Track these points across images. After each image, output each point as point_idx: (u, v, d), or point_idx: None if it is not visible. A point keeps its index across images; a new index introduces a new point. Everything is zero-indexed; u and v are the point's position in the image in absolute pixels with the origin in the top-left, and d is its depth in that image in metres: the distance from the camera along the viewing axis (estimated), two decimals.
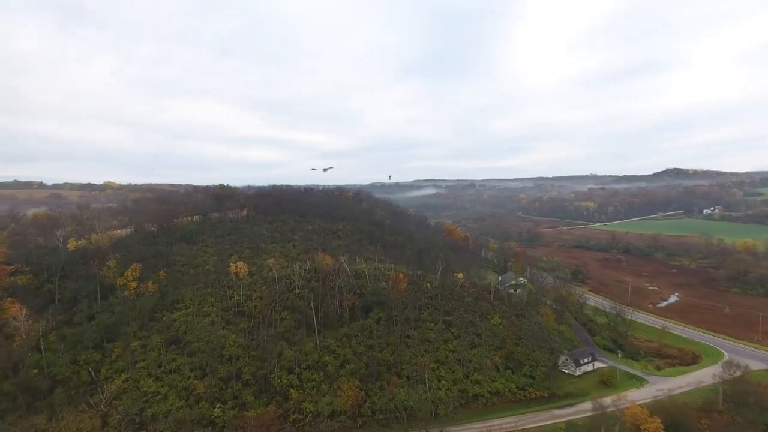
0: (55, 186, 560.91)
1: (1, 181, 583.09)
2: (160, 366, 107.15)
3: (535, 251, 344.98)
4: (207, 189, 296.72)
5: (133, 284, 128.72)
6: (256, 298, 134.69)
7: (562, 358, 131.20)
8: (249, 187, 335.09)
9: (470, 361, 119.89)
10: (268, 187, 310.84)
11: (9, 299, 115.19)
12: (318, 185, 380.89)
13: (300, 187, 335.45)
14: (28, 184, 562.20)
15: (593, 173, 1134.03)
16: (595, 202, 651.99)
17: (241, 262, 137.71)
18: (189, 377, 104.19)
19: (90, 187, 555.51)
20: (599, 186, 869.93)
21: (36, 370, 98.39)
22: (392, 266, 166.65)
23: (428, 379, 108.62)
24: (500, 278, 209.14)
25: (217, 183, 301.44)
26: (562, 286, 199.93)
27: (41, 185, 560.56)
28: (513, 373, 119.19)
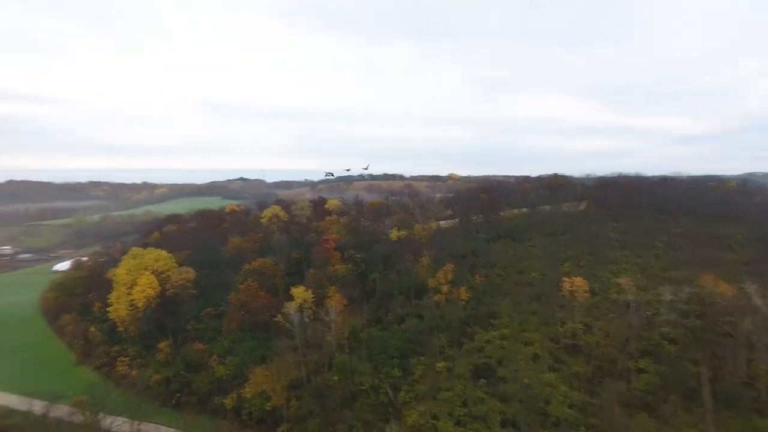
0: (412, 178, 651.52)
1: (375, 174, 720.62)
2: (464, 405, 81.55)
3: None
4: (538, 179, 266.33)
5: (445, 288, 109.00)
6: (598, 331, 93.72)
7: None
8: (588, 177, 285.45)
9: None
10: (613, 175, 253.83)
11: (333, 287, 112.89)
12: (680, 174, 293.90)
13: (653, 177, 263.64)
14: (392, 176, 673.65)
15: None
16: None
17: (579, 278, 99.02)
18: None
19: (435, 178, 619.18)
20: None
21: (336, 377, 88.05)
22: None
23: None
24: None
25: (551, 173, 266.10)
26: None
27: (401, 177, 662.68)
28: None
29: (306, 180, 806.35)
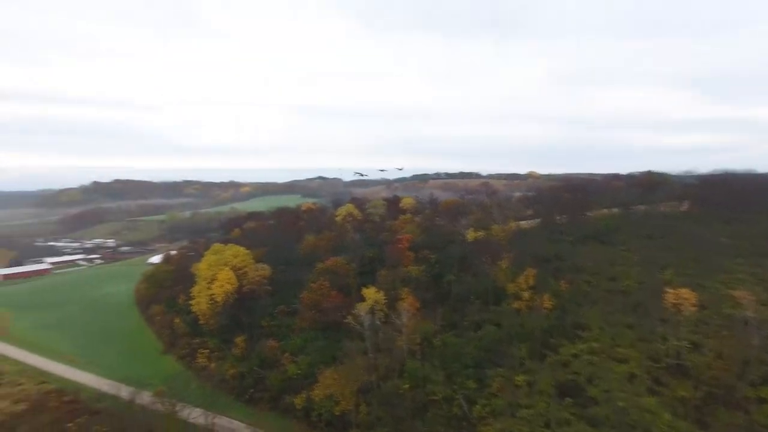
0: (489, 176, 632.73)
1: (451, 172, 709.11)
2: (547, 426, 73.73)
3: None
4: (630, 177, 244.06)
5: (526, 294, 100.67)
6: (708, 352, 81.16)
7: None
8: (687, 174, 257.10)
9: None
10: (718, 172, 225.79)
11: (405, 289, 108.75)
12: None
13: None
14: (468, 175, 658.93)
15: None
16: None
17: (685, 289, 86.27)
18: None
19: (513, 176, 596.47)
20: None
21: (407, 385, 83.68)
22: None
23: None
24: None
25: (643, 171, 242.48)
26: None
27: (477, 176, 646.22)
28: None
29: (382, 178, 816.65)
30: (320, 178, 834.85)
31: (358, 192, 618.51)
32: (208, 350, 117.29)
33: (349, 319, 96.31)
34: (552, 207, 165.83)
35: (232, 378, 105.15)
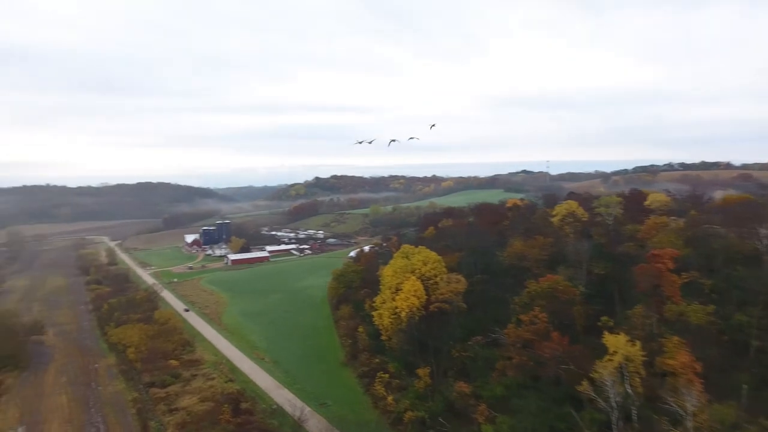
0: (744, 166, 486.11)
1: (688, 162, 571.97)
2: None
3: None
4: None
5: None
6: None
7: None
8: None
9: None
10: None
11: (675, 338, 67.89)
12: None
13: None
14: (713, 165, 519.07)
15: None
16: None
17: None
18: None
19: None
20: None
21: None
22: None
23: None
24: None
25: None
26: None
27: (728, 166, 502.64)
28: None
29: (596, 171, 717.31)
30: (524, 171, 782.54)
31: (569, 186, 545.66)
32: (388, 375, 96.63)
33: (584, 386, 61.40)
34: None
35: (411, 423, 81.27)
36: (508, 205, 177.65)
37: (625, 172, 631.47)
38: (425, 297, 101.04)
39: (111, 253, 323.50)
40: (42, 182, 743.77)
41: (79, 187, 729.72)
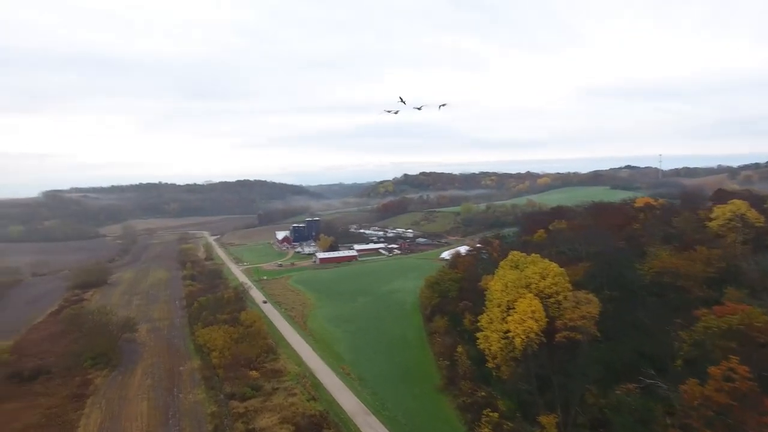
0: None
1: None
2: None
3: None
4: None
5: None
6: None
7: None
8: None
9: None
10: None
11: None
12: None
13: None
14: None
15: None
16: None
17: None
18: None
19: None
20: None
21: None
22: None
23: None
24: None
25: None
26: None
27: None
28: None
29: (718, 166, 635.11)
30: (628, 167, 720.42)
31: (687, 183, 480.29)
32: (497, 415, 77.76)
33: None
34: None
35: None
36: (636, 204, 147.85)
37: (756, 166, 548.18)
38: (545, 320, 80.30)
39: (209, 248, 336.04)
40: (155, 180, 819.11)
41: (187, 185, 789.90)
